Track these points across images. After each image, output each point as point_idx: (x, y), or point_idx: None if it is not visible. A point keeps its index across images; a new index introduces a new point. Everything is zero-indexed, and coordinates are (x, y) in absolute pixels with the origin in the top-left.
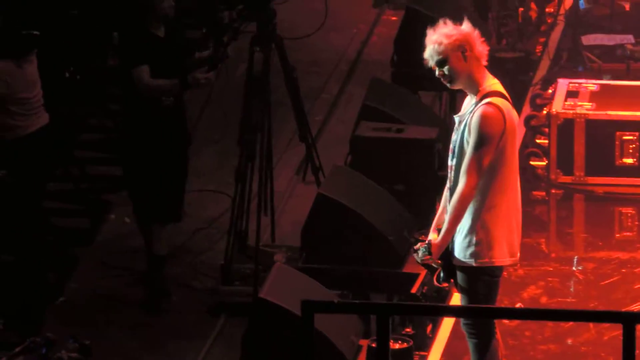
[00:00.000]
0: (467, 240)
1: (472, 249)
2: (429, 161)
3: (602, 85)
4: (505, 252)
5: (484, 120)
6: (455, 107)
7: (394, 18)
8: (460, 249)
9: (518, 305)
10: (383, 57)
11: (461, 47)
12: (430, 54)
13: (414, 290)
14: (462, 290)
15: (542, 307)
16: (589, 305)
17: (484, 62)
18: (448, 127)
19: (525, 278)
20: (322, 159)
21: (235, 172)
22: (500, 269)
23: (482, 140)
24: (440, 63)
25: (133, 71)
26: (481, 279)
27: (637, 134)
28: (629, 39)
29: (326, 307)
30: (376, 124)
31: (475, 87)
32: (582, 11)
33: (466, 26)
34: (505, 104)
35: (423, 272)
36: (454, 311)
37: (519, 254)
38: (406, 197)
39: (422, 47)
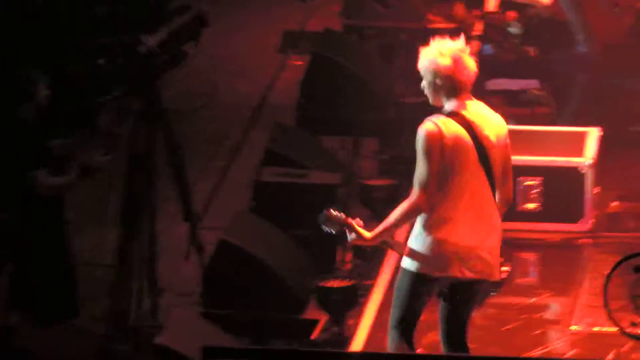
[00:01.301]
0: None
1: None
2: (332, 206)
3: None
4: (437, 265)
5: (417, 136)
6: (359, 152)
7: (299, 63)
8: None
9: None
10: (288, 102)
11: (433, 74)
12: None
13: (313, 336)
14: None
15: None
16: (489, 351)
17: (463, 90)
18: (352, 172)
19: (425, 323)
20: (225, 206)
21: (117, 251)
22: (427, 277)
23: (418, 156)
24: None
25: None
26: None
27: (539, 179)
28: (533, 84)
29: (226, 353)
30: (279, 169)
31: (438, 110)
32: (488, 56)
33: (456, 49)
34: (448, 122)
35: (323, 319)
36: (355, 357)
37: (467, 272)
38: (309, 242)
39: (327, 92)
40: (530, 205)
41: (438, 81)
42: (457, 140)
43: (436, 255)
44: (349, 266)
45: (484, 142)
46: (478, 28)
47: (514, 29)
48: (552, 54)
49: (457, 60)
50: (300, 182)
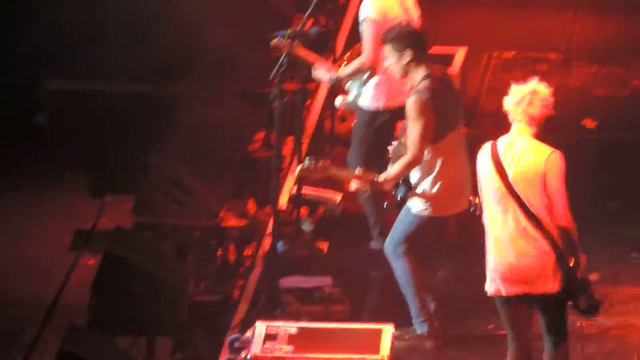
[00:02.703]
0: None
1: None
2: None
3: (300, 328)
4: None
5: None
6: (153, 351)
7: (91, 261)
8: None
9: None
10: (81, 302)
11: None
12: None
13: None
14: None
15: None
16: None
17: None
18: None
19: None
20: None
21: None
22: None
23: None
24: None
25: None
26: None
27: None
28: (326, 281)
29: None
30: None
31: None
32: (280, 253)
33: None
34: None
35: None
36: None
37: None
38: None
39: (120, 291)
40: None
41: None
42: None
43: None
44: None
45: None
46: (270, 225)
47: (306, 226)
48: (344, 250)
49: None
50: None
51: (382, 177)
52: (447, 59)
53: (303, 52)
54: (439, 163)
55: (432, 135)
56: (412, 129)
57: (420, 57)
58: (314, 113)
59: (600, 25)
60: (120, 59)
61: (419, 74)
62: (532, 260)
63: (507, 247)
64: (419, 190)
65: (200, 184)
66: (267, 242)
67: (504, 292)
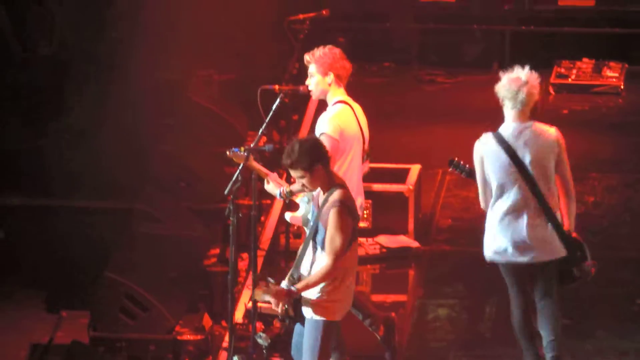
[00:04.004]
0: None
1: None
2: None
3: None
4: None
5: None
6: None
7: None
8: None
9: None
10: None
11: None
12: None
13: None
14: None
15: None
16: None
17: None
18: None
19: None
20: None
21: None
22: None
23: None
24: None
25: None
26: None
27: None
28: None
29: None
30: None
31: None
32: None
33: None
34: None
35: None
36: None
37: None
38: None
39: None
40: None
41: None
42: None
43: None
44: None
45: None
46: (226, 339)
47: (261, 340)
48: None
49: None
50: None
51: (299, 286)
52: (402, 175)
53: (257, 166)
54: (342, 271)
55: (347, 246)
56: (333, 241)
57: (326, 169)
58: (268, 228)
59: None
60: (75, 175)
61: (330, 184)
62: (539, 231)
63: (515, 221)
64: (319, 295)
65: (155, 298)
66: (223, 357)
67: (513, 260)
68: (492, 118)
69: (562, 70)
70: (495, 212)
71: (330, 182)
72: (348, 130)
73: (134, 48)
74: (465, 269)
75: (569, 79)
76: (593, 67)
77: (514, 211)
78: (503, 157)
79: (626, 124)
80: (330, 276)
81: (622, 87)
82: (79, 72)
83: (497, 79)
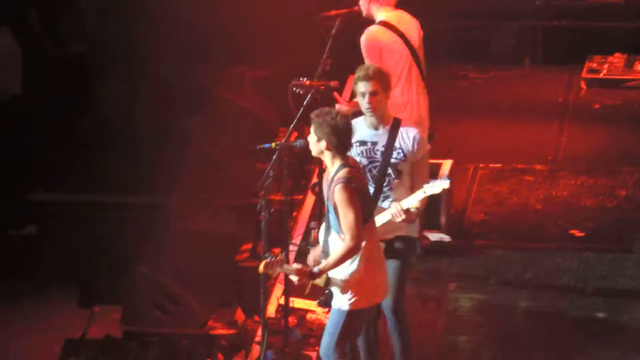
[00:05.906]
0: None
1: None
2: None
3: None
4: None
5: None
6: None
7: None
8: None
9: None
10: None
11: None
12: None
13: None
14: None
15: None
16: None
17: None
18: None
19: None
20: None
21: None
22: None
23: None
24: None
25: None
26: None
27: None
28: None
29: None
30: None
31: None
32: None
33: None
34: None
35: None
36: None
37: None
38: None
39: None
40: None
41: None
42: None
43: None
44: None
45: None
46: (259, 334)
47: (294, 335)
48: None
49: None
50: None
51: (320, 267)
52: (434, 170)
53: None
54: (360, 252)
55: (361, 221)
56: (346, 217)
57: (337, 150)
58: (300, 224)
59: (587, 136)
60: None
61: (335, 163)
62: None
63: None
64: (340, 282)
65: (187, 293)
66: (255, 351)
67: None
68: (524, 113)
69: (594, 65)
70: None
71: (335, 163)
72: None
73: (165, 45)
74: (497, 264)
75: (601, 74)
76: (625, 61)
77: None
78: None
79: None
80: (351, 253)
81: None
82: (110, 70)
83: (529, 75)
